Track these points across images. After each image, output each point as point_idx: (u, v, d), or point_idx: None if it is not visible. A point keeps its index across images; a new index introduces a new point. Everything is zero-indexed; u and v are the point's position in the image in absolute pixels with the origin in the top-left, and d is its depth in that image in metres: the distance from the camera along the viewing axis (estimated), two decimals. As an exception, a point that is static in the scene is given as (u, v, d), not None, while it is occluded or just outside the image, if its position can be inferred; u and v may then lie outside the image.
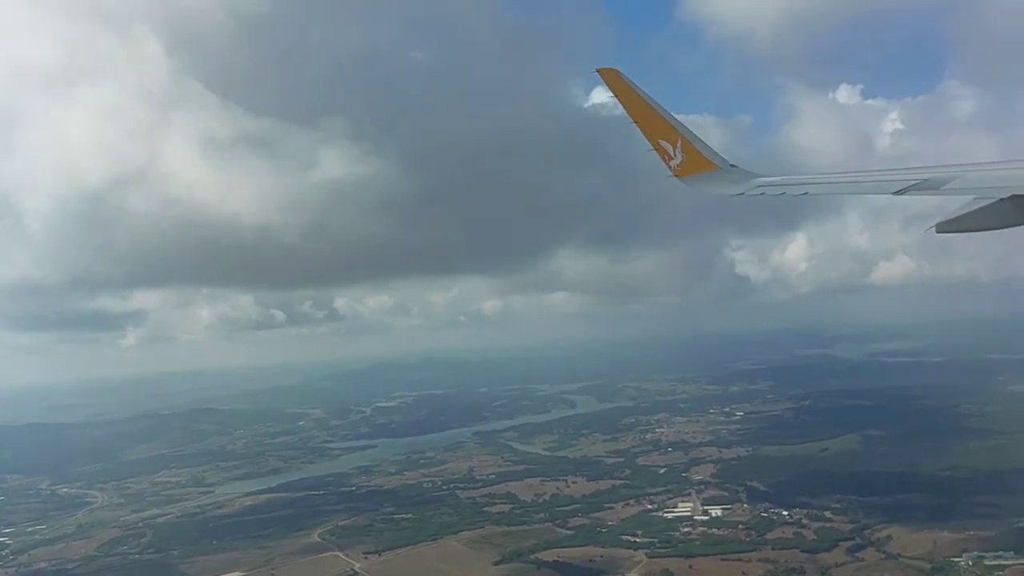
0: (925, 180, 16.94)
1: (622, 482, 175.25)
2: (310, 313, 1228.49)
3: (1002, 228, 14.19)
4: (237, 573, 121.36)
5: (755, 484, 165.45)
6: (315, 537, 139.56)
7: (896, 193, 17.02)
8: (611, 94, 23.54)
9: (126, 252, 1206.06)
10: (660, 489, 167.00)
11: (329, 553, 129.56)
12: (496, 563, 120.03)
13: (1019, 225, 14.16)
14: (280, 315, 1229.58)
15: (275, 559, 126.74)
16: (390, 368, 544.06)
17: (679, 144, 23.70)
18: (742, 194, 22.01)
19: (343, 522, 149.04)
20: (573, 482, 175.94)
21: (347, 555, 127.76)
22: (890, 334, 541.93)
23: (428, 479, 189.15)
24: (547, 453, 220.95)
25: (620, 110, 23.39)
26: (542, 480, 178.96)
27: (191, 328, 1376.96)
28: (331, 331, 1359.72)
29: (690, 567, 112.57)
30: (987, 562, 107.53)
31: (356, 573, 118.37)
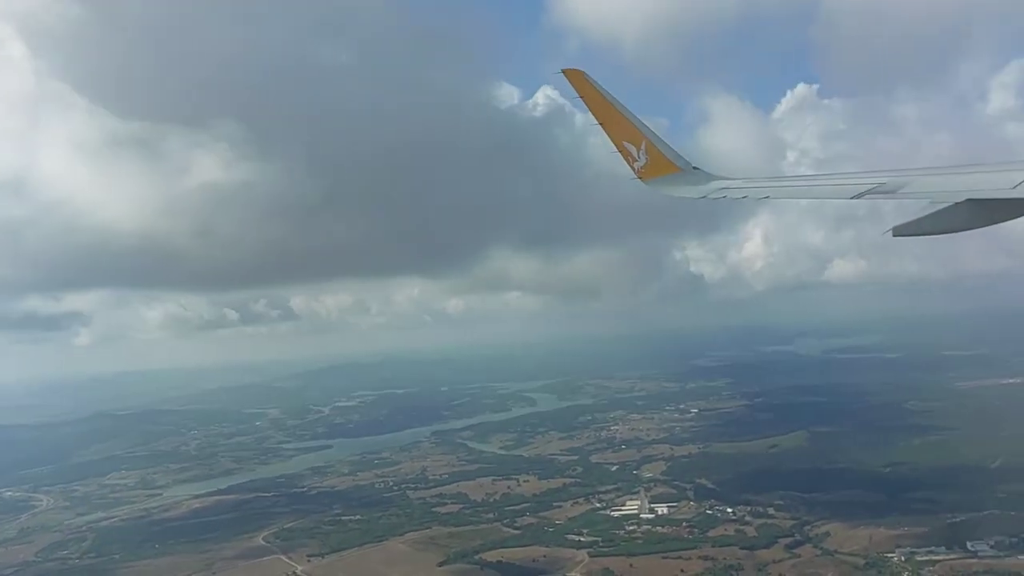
0: (881, 184, 17.21)
1: (573, 480, 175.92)
2: (265, 313, 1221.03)
3: (957, 231, 14.50)
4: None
5: (703, 481, 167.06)
6: (259, 540, 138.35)
7: (853, 198, 17.25)
8: (572, 95, 23.42)
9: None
10: (610, 487, 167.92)
11: (272, 556, 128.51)
12: (440, 564, 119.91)
13: (973, 228, 14.51)
14: (234, 315, 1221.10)
15: (216, 563, 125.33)
16: (352, 367, 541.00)
17: (643, 146, 23.80)
18: (704, 197, 22.10)
19: (288, 524, 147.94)
20: (525, 481, 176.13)
21: (290, 558, 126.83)
22: (849, 330, 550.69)
23: (380, 480, 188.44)
24: (503, 452, 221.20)
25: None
26: (494, 479, 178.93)
27: (146, 328, 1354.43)
28: (291, 330, 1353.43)
29: (631, 566, 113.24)
30: (919, 558, 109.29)
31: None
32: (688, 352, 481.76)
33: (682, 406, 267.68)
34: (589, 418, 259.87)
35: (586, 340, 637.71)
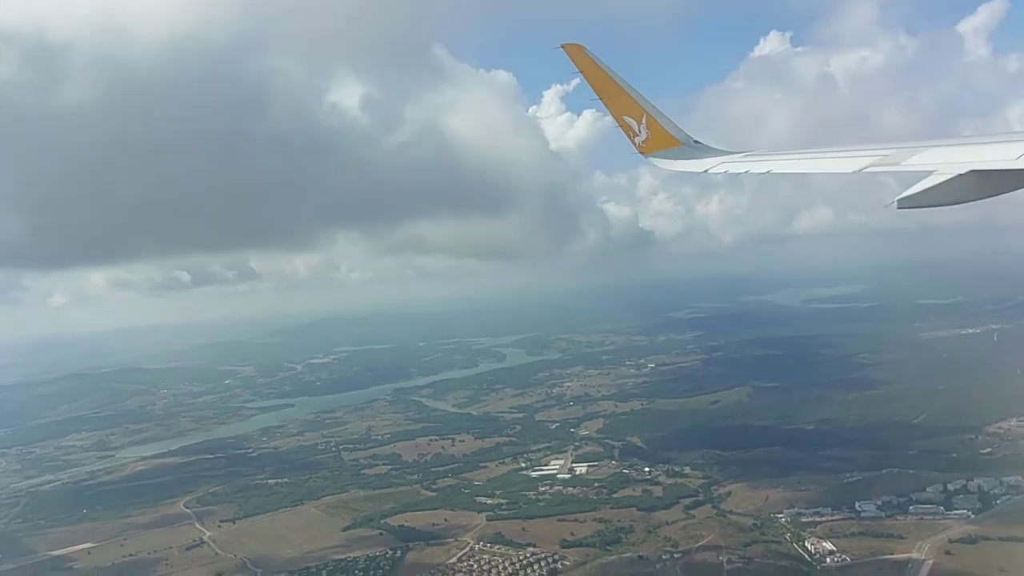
0: (885, 156, 17.35)
1: (509, 439, 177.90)
2: (257, 270, 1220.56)
3: (961, 203, 14.65)
4: (87, 544, 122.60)
5: (634, 439, 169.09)
6: (181, 505, 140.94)
7: (856, 171, 17.33)
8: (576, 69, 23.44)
9: None
10: (543, 446, 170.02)
11: (187, 524, 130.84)
12: (344, 529, 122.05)
13: (978, 199, 14.60)
14: (230, 273, 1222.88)
15: (129, 531, 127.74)
16: (340, 322, 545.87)
17: (644, 120, 23.88)
18: (706, 171, 22.19)
19: (215, 489, 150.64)
20: (461, 441, 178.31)
21: (203, 524, 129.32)
22: (833, 279, 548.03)
23: (325, 440, 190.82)
24: (454, 410, 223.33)
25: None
26: (432, 439, 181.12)
27: (136, 285, 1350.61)
28: (287, 286, 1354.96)
29: (523, 529, 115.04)
30: (804, 519, 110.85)
31: (203, 543, 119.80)
32: (669, 304, 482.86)
33: (641, 361, 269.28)
34: (547, 374, 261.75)
35: (568, 293, 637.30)
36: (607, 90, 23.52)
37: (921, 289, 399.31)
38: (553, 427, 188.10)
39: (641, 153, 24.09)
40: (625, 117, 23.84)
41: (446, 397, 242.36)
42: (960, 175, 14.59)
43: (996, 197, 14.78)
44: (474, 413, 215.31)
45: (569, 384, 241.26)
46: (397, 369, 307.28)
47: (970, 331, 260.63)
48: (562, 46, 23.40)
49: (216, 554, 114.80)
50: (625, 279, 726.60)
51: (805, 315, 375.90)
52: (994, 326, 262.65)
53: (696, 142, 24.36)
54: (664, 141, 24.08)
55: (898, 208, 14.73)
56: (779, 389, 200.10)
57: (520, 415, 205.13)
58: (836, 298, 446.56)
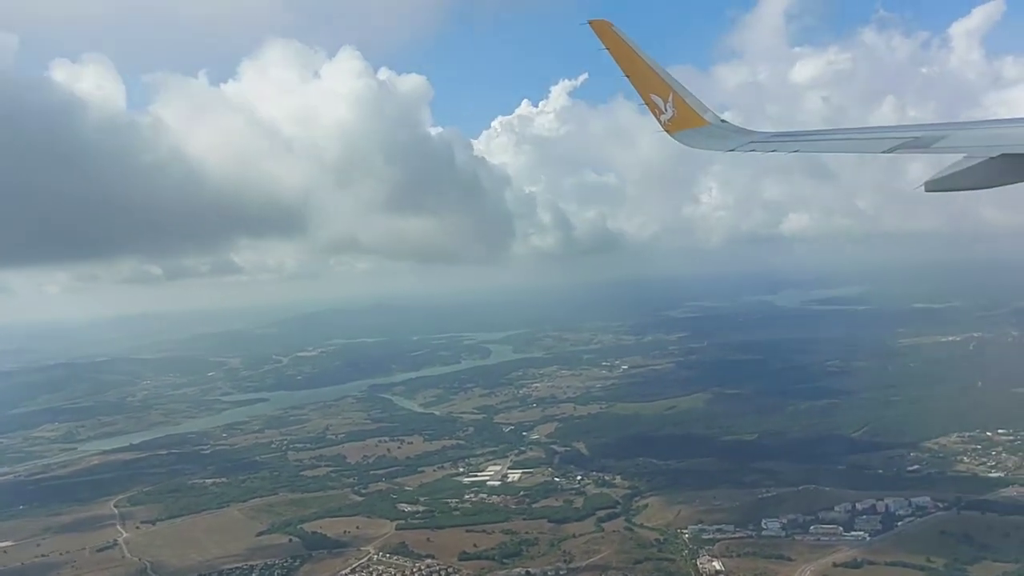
0: (916, 138, 17.00)
1: (457, 443, 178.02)
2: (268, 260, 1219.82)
3: (991, 187, 14.26)
4: (7, 543, 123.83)
5: (579, 445, 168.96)
6: (111, 504, 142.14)
7: (886, 152, 17.03)
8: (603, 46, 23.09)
9: None
10: (489, 450, 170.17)
11: (110, 524, 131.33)
12: (259, 534, 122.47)
13: (1008, 184, 14.19)
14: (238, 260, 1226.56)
15: (49, 531, 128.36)
16: (344, 313, 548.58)
17: (671, 98, 23.58)
18: (733, 151, 22.02)
19: (149, 488, 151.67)
20: (409, 443, 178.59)
21: (123, 525, 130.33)
22: (842, 280, 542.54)
23: (281, 439, 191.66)
24: (420, 410, 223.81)
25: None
26: (382, 440, 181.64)
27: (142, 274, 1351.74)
28: (298, 274, 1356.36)
29: (428, 539, 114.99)
30: (705, 536, 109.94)
31: (116, 545, 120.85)
32: (669, 301, 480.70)
33: (616, 362, 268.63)
34: (520, 374, 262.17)
35: (577, 288, 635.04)
36: (634, 67, 23.16)
37: (922, 293, 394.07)
38: (507, 430, 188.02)
39: (667, 131, 23.66)
40: (652, 95, 23.46)
41: (416, 396, 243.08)
42: (991, 159, 14.12)
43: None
44: (437, 413, 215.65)
45: (538, 385, 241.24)
46: (380, 364, 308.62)
47: (950, 338, 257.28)
48: (589, 22, 23.03)
49: (123, 557, 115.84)
50: (636, 275, 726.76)
51: (798, 317, 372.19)
52: (975, 334, 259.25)
53: (723, 121, 24.05)
54: (691, 120, 23.72)
55: (926, 191, 14.46)
56: (738, 396, 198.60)
57: (480, 416, 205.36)
58: (835, 300, 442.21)
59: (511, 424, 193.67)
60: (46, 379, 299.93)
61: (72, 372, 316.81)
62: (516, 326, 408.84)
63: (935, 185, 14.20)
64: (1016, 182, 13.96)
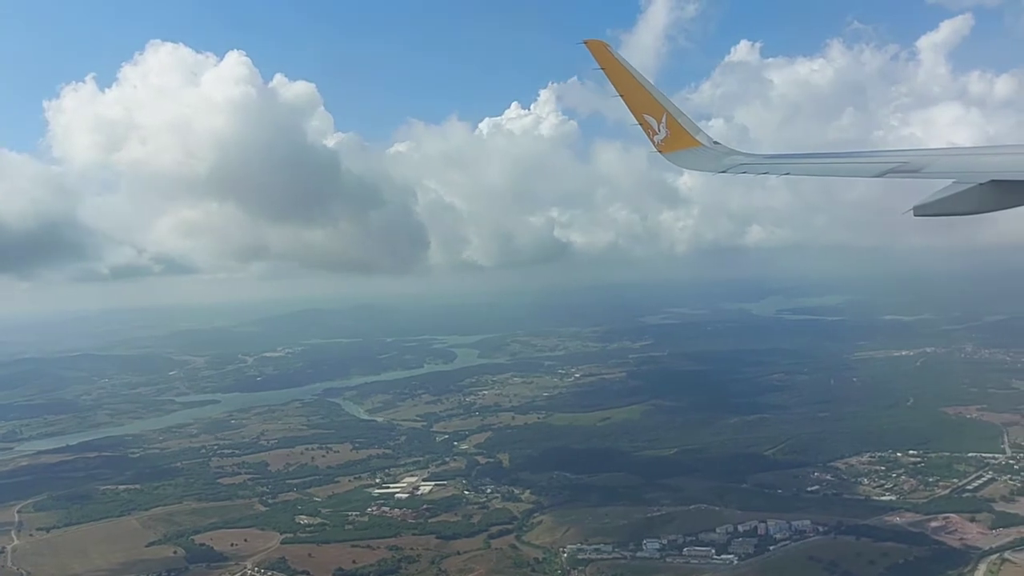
0: (905, 163, 17.29)
1: (385, 452, 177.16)
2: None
3: (979, 213, 14.33)
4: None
5: (503, 457, 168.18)
6: (15, 510, 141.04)
7: (877, 176, 17.25)
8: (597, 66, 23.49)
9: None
10: (413, 460, 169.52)
11: (6, 531, 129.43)
12: (148, 544, 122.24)
13: (996, 210, 14.29)
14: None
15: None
16: (326, 313, 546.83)
17: (664, 119, 23.91)
18: (724, 172, 22.19)
19: (59, 493, 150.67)
20: (336, 452, 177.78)
21: (18, 533, 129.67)
22: (825, 289, 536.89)
23: (214, 443, 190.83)
24: (364, 416, 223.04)
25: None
26: (310, 448, 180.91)
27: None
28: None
29: (309, 555, 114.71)
30: (582, 556, 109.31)
31: (3, 552, 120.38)
32: (649, 307, 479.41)
33: (571, 370, 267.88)
34: (475, 380, 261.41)
35: (572, 292, 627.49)
36: (628, 87, 23.51)
37: (899, 304, 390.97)
38: (440, 440, 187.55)
39: (660, 152, 24.00)
40: (645, 115, 23.75)
41: (365, 401, 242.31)
42: (980, 184, 14.19)
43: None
44: (379, 420, 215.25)
45: (486, 392, 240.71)
46: (342, 367, 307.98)
47: (903, 353, 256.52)
48: (585, 42, 23.39)
49: (3, 567, 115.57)
50: (636, 280, 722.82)
51: (767, 327, 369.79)
52: (929, 349, 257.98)
53: (715, 143, 24.24)
54: (683, 140, 24.01)
55: (915, 216, 14.45)
56: (675, 409, 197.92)
57: (419, 424, 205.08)
58: (811, 309, 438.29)
59: (447, 433, 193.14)
60: (7, 375, 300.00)
61: (36, 368, 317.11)
62: (489, 330, 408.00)
63: (924, 210, 14.26)
64: (1004, 208, 14.11)
